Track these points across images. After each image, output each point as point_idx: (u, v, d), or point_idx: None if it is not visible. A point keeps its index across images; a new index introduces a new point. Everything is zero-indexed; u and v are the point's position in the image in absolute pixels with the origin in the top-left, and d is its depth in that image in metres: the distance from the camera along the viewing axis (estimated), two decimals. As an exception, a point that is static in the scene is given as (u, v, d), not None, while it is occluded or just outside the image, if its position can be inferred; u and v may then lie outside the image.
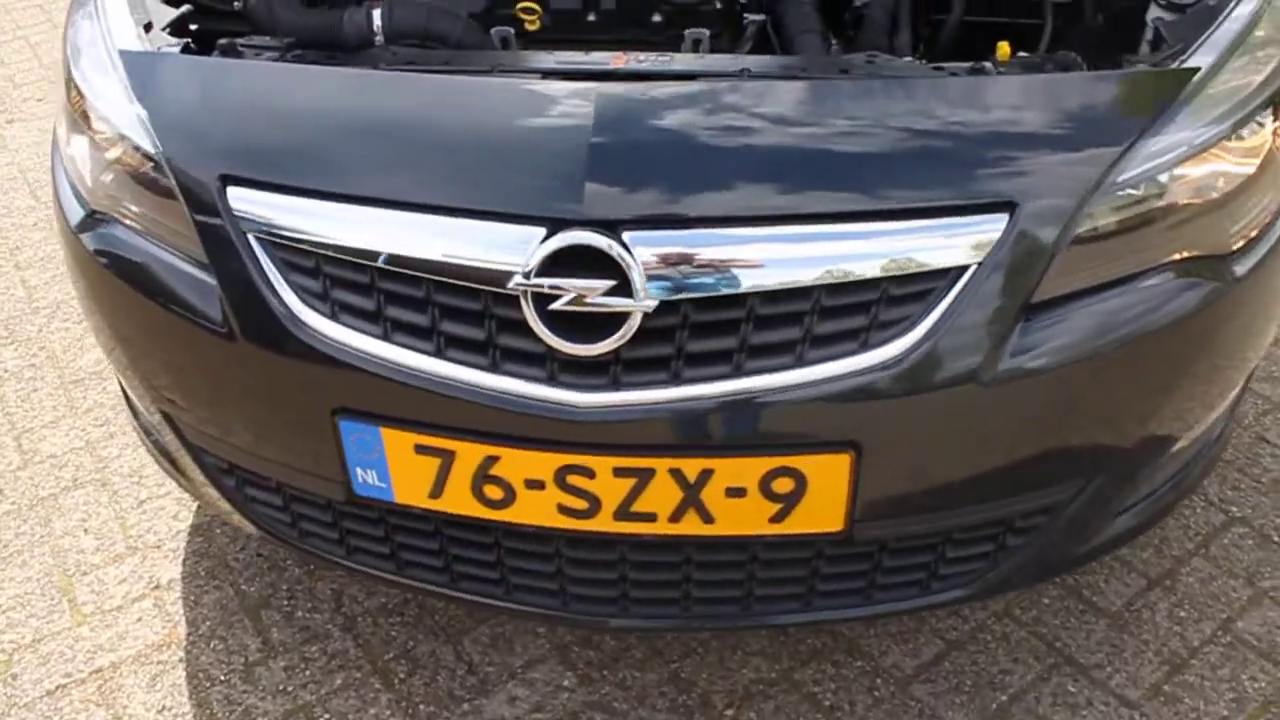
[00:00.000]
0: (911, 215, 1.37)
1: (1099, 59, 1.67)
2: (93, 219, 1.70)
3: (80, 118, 1.72)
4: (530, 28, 1.89)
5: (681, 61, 1.62)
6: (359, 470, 1.53)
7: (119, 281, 1.64)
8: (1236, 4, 1.63)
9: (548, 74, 1.58)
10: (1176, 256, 1.49)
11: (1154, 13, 1.68)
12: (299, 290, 1.47)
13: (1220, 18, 1.61)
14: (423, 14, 1.81)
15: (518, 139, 1.43)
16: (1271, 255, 1.58)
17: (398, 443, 1.48)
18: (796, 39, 1.80)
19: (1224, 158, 1.50)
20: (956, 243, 1.37)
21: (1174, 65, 1.54)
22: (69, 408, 2.58)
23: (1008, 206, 1.37)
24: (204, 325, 1.53)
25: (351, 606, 2.06)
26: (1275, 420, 2.40)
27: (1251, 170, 1.53)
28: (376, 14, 1.82)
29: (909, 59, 1.71)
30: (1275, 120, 1.57)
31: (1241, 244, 1.55)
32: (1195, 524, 2.17)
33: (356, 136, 1.48)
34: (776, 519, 1.46)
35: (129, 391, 1.89)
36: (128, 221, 1.65)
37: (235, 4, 1.91)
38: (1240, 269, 1.54)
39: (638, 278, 1.33)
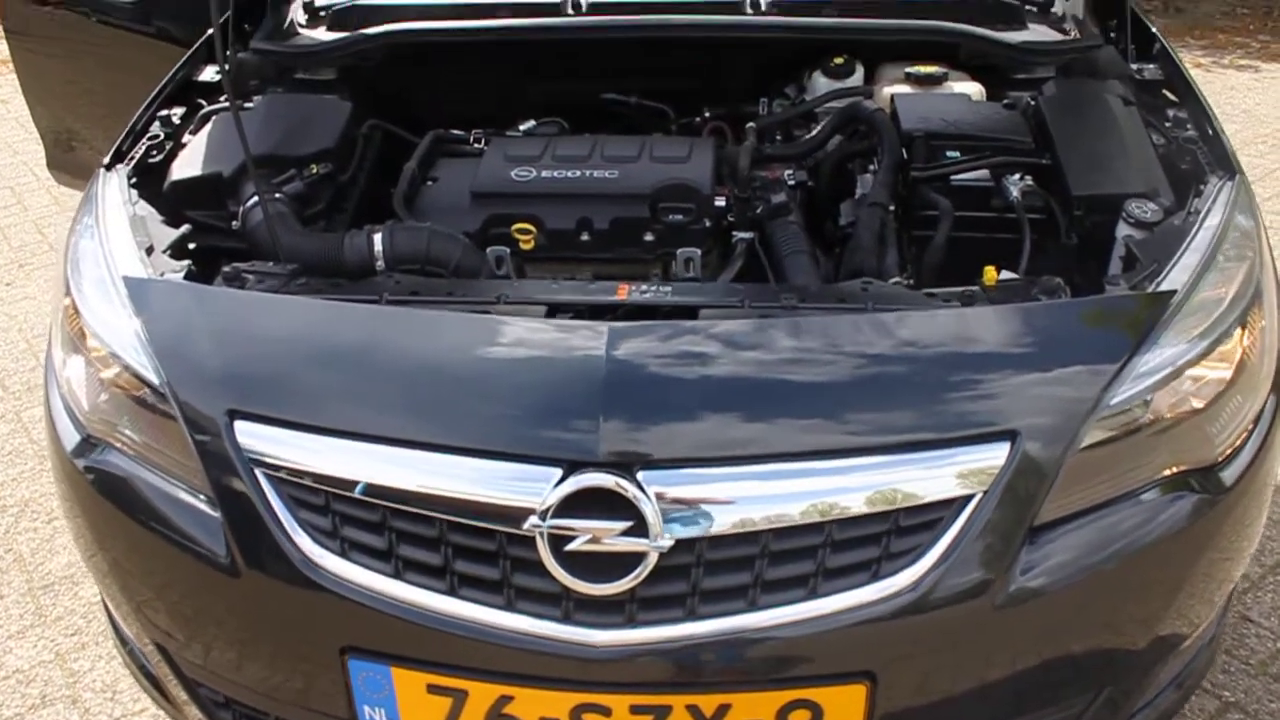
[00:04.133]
0: (916, 448, 1.41)
1: (1076, 276, 1.74)
2: (88, 444, 1.69)
3: (79, 339, 1.71)
4: (525, 247, 1.93)
5: (681, 291, 1.67)
6: (367, 709, 1.49)
7: (116, 510, 1.62)
8: (1202, 221, 1.73)
9: (554, 307, 1.62)
10: (1167, 471, 1.54)
11: (1124, 230, 1.77)
12: (308, 527, 1.46)
13: (1188, 237, 1.69)
14: (423, 238, 1.83)
15: (530, 379, 1.46)
16: (1256, 461, 1.63)
17: (408, 682, 1.45)
18: (786, 260, 1.87)
19: (1203, 371, 1.56)
20: (961, 472, 1.40)
21: (1150, 286, 1.61)
22: (37, 615, 2.50)
23: (1009, 435, 1.42)
24: (207, 559, 1.51)
25: (341, 832, 1.98)
26: (1257, 599, 2.44)
27: (1227, 376, 1.60)
28: (378, 239, 1.83)
29: (897, 279, 1.78)
30: (1246, 331, 1.65)
31: (1227, 453, 1.61)
32: (1191, 713, 2.16)
33: (367, 374, 1.50)
34: (794, 750, 1.45)
35: (111, 609, 1.84)
36: (125, 449, 1.63)
37: (234, 224, 1.93)
38: (1228, 477, 1.59)
39: (652, 517, 1.35)
